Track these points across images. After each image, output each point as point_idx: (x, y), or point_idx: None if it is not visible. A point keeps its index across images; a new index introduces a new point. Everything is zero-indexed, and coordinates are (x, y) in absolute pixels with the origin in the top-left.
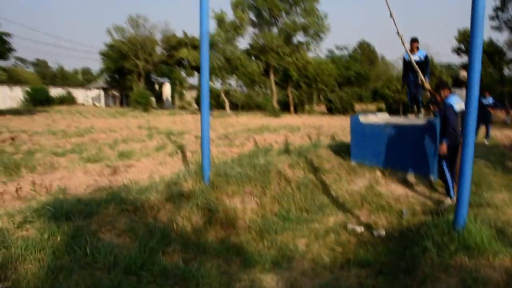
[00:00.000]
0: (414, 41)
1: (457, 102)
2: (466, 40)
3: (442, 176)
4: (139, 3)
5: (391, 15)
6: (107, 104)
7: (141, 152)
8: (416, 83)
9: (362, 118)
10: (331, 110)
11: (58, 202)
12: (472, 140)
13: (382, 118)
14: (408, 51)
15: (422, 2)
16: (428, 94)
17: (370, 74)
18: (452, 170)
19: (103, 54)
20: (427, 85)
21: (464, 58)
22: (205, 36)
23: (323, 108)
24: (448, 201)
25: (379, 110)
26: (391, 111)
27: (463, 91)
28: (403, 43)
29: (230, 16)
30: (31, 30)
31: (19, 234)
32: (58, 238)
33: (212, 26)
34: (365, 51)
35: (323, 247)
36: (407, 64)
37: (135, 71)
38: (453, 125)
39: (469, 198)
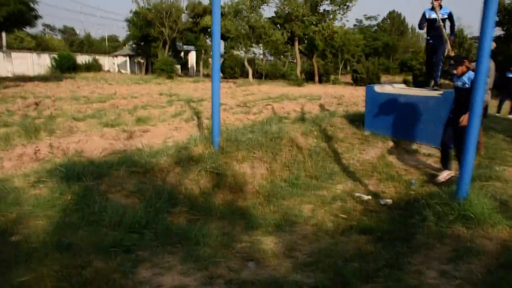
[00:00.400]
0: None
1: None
2: (501, 12)
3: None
4: None
5: None
6: (132, 71)
7: (159, 117)
8: (436, 47)
9: (378, 88)
10: (356, 81)
11: (71, 164)
12: (478, 111)
13: (398, 88)
14: (433, 7)
15: None
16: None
17: (399, 45)
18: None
19: (129, 21)
20: (451, 51)
21: (498, 31)
22: (216, 4)
23: (349, 78)
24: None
25: (405, 81)
26: (417, 83)
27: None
28: None
29: None
30: None
31: (32, 193)
32: (68, 197)
33: None
34: (395, 22)
35: (328, 213)
36: (428, 23)
37: (160, 38)
38: None
39: (472, 169)
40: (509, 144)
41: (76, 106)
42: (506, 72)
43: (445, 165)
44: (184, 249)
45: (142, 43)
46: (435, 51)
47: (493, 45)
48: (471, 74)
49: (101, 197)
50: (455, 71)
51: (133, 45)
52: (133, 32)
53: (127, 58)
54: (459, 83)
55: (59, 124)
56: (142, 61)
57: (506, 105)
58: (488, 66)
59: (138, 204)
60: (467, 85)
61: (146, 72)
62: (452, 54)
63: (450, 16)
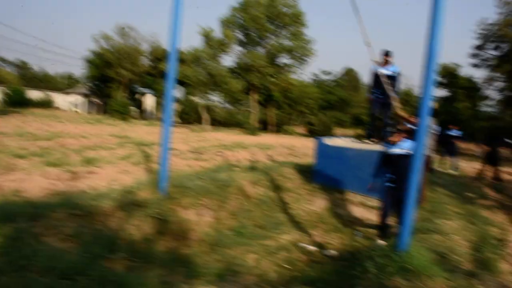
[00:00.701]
0: (386, 54)
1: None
2: (447, 75)
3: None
4: (128, 12)
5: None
6: (88, 111)
7: (106, 159)
8: (382, 102)
9: (327, 141)
10: (311, 132)
11: (5, 203)
12: (418, 166)
13: (346, 142)
14: (378, 64)
15: (401, 34)
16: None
17: (353, 100)
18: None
19: (88, 61)
20: (398, 109)
21: (445, 92)
22: (173, 51)
23: (303, 129)
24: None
25: (358, 136)
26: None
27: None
28: (371, 52)
29: (217, 32)
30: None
31: None
32: None
33: (198, 41)
34: (351, 78)
35: (272, 263)
36: (374, 78)
37: (118, 80)
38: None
39: (412, 222)
40: (450, 198)
41: (19, 142)
42: (445, 130)
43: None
44: None
45: (99, 83)
46: (382, 106)
47: (435, 105)
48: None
49: (34, 240)
50: (391, 138)
51: (90, 85)
52: (91, 72)
53: (83, 97)
54: (397, 150)
55: None
56: (98, 101)
57: (447, 161)
58: (427, 122)
59: (74, 249)
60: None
61: (102, 112)
62: (401, 113)
63: (397, 75)
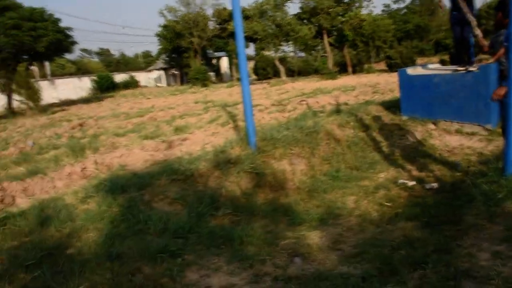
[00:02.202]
0: None
1: None
2: None
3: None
4: None
5: None
6: (168, 83)
7: (196, 125)
8: (462, 20)
9: (410, 71)
10: (391, 67)
11: (115, 178)
12: None
13: (432, 68)
14: None
15: None
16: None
17: (431, 25)
18: None
19: (159, 35)
20: (476, 29)
21: None
22: (236, 6)
23: (383, 65)
24: None
25: (442, 61)
26: (456, 61)
27: None
28: None
29: None
30: (91, 22)
31: (82, 208)
32: (115, 209)
33: None
34: (424, 1)
35: (372, 203)
36: None
37: (191, 48)
38: None
39: None
40: None
41: (116, 123)
42: None
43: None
44: (229, 250)
45: (174, 55)
46: (462, 25)
47: None
48: None
49: (145, 206)
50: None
51: (166, 58)
52: (164, 46)
53: (162, 72)
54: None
55: (102, 142)
56: (176, 72)
57: None
58: None
59: (181, 211)
60: None
61: (182, 82)
62: (477, 30)
63: None
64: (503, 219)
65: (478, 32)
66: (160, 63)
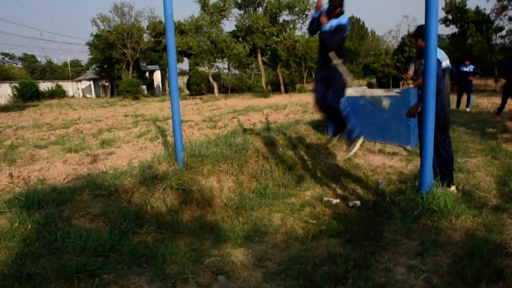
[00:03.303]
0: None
1: (443, 56)
2: (453, 10)
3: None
4: None
5: None
6: (97, 95)
7: (123, 139)
8: (330, 77)
9: None
10: None
11: (31, 192)
12: (432, 108)
13: (359, 90)
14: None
15: None
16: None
17: (360, 49)
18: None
19: (90, 44)
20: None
21: (453, 29)
22: (169, 19)
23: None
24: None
25: (369, 84)
26: (381, 85)
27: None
28: None
29: None
30: (17, 26)
31: None
32: (29, 226)
33: (196, 10)
34: (354, 27)
35: (298, 220)
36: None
37: (123, 60)
38: (442, 83)
39: (432, 163)
40: (470, 136)
41: (38, 134)
42: (461, 66)
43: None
44: (151, 269)
45: (106, 66)
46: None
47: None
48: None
49: (64, 223)
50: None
51: (97, 69)
52: (95, 56)
53: (91, 82)
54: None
55: (20, 153)
56: (106, 84)
57: (463, 99)
58: (435, 60)
59: (103, 228)
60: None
61: (112, 95)
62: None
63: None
64: (418, 234)
65: (354, 83)
66: (90, 73)
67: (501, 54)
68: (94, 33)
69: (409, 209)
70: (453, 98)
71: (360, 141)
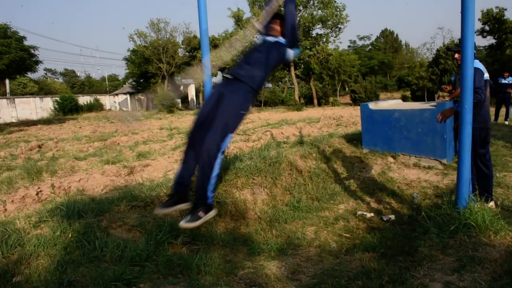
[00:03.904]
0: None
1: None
2: (490, 21)
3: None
4: (160, 7)
5: None
6: (133, 108)
7: (159, 151)
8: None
9: (372, 105)
10: (355, 101)
11: (72, 202)
12: (469, 121)
13: (393, 104)
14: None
15: None
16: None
17: (394, 62)
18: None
19: (127, 59)
20: None
21: (490, 40)
22: (204, 34)
23: (348, 99)
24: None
25: (404, 97)
26: (416, 98)
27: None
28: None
29: (247, 14)
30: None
31: (34, 233)
32: (69, 235)
33: (231, 24)
34: (388, 39)
35: (331, 234)
36: None
37: (159, 74)
38: (484, 95)
39: (469, 178)
40: (509, 150)
41: (78, 146)
42: (499, 78)
43: None
44: (186, 279)
45: (142, 80)
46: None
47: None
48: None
49: (102, 233)
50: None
51: (133, 83)
52: (131, 70)
53: (128, 96)
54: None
55: (61, 165)
56: (142, 97)
57: (502, 112)
58: (472, 73)
59: (139, 238)
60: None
61: (147, 108)
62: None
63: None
64: (455, 250)
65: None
66: (126, 87)
67: None
68: (131, 49)
69: (445, 224)
70: (491, 110)
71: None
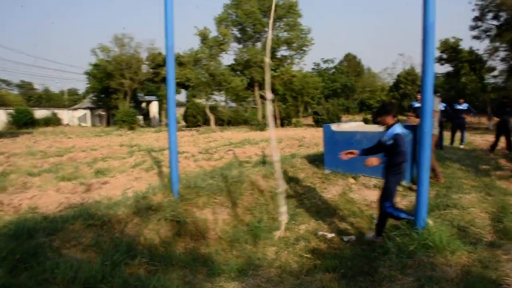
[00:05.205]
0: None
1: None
2: (448, 50)
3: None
4: (124, 22)
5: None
6: (93, 124)
7: (118, 169)
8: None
9: (334, 127)
10: (318, 122)
11: (22, 221)
12: (428, 145)
13: (355, 126)
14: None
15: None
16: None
17: (356, 85)
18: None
19: (88, 73)
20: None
21: (447, 68)
22: (170, 50)
23: (310, 120)
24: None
25: (365, 120)
26: (377, 121)
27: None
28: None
29: (213, 32)
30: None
31: None
32: (17, 256)
33: (196, 42)
34: (351, 63)
35: (292, 254)
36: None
37: (121, 90)
38: (404, 158)
39: (427, 199)
40: (464, 172)
41: (31, 161)
42: (455, 104)
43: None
44: None
45: (103, 95)
46: None
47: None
48: (396, 128)
49: (54, 253)
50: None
51: (94, 98)
52: (93, 85)
53: (88, 111)
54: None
55: (12, 181)
56: (103, 113)
57: (457, 136)
58: (431, 98)
59: (94, 258)
60: (388, 142)
61: (108, 124)
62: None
63: None
64: (414, 270)
65: None
66: (86, 102)
67: (493, 93)
68: (93, 63)
69: (404, 245)
70: (447, 135)
71: None
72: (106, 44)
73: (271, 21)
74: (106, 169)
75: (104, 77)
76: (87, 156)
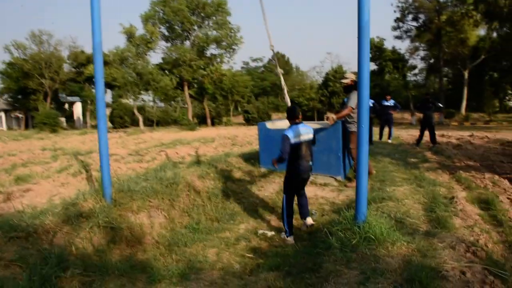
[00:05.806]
0: None
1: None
2: (372, 49)
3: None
4: (44, 19)
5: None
6: (9, 127)
7: (42, 174)
8: None
9: (269, 125)
10: (248, 121)
11: None
12: (365, 140)
13: (284, 124)
14: None
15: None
16: None
17: (286, 84)
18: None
19: (2, 73)
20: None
21: (372, 66)
22: (98, 48)
23: (241, 119)
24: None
25: None
26: (307, 118)
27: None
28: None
29: (140, 30)
30: None
31: None
32: None
33: (122, 41)
34: (279, 62)
35: (234, 255)
36: None
37: (40, 91)
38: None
39: (367, 194)
40: (395, 166)
41: None
42: (382, 101)
43: None
44: None
45: (20, 96)
46: None
47: (353, 76)
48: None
49: None
50: None
51: (9, 99)
52: (7, 85)
53: (2, 114)
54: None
55: None
56: (20, 115)
57: (386, 131)
58: (367, 95)
59: (20, 274)
60: None
61: (26, 127)
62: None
63: None
64: (358, 263)
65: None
66: (1, 104)
67: (415, 90)
68: (7, 61)
69: (347, 239)
70: (376, 130)
71: None
72: (21, 40)
73: (267, 25)
74: (28, 175)
75: (20, 76)
76: (4, 162)
